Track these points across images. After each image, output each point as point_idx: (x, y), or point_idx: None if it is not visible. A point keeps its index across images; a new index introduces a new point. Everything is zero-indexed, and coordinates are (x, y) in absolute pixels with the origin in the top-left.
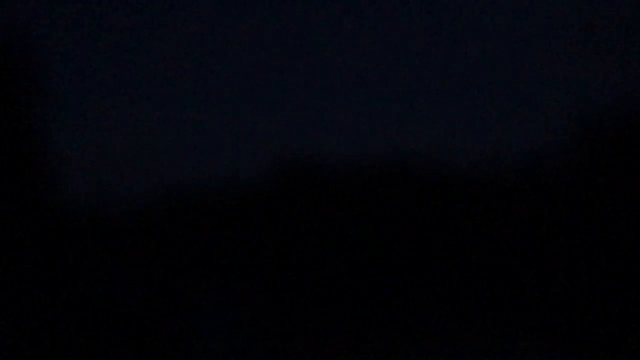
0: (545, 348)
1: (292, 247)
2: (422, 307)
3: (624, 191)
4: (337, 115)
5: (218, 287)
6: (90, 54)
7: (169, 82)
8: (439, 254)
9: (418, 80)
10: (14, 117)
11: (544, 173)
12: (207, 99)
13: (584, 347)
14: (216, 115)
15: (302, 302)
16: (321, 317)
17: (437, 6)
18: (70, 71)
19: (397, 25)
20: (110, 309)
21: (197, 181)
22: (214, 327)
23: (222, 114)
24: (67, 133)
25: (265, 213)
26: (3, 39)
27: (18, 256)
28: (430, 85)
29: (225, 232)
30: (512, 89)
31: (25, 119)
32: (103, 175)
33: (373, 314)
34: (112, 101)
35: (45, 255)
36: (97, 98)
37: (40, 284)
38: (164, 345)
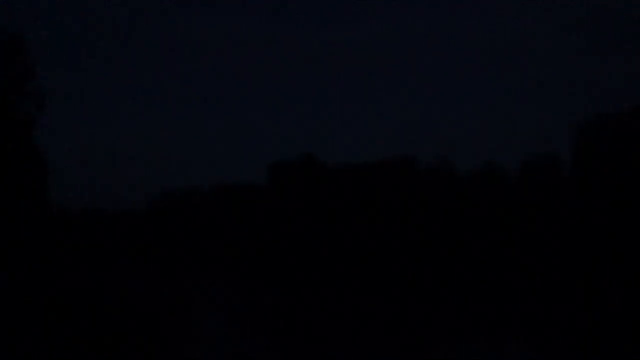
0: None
1: (294, 248)
2: (425, 306)
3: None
4: (340, 117)
5: (218, 287)
6: (87, 54)
7: (168, 83)
8: (441, 255)
9: (420, 81)
10: (8, 117)
11: (550, 174)
12: (209, 99)
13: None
14: (220, 116)
15: (303, 302)
16: (322, 317)
17: (438, 6)
18: (67, 71)
19: (399, 28)
20: (108, 308)
21: (197, 181)
22: (214, 326)
23: (224, 114)
24: (62, 132)
25: (267, 213)
26: None
27: (12, 254)
28: (432, 86)
29: (225, 232)
30: (516, 91)
31: (19, 118)
32: (102, 176)
33: (375, 313)
34: (110, 101)
35: (39, 253)
36: (95, 98)
37: (34, 282)
38: (163, 344)
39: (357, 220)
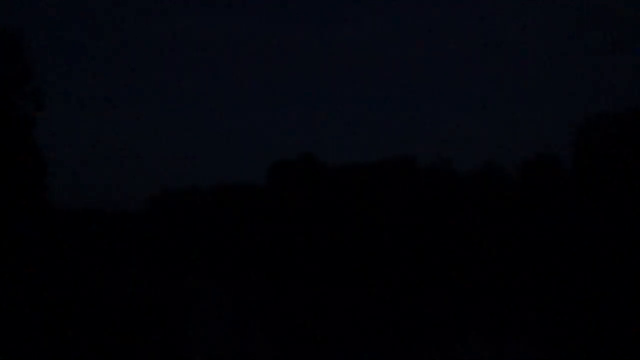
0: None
1: (294, 248)
2: (424, 308)
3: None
4: (340, 117)
5: (218, 286)
6: (87, 54)
7: (168, 83)
8: (441, 255)
9: (420, 81)
10: (8, 117)
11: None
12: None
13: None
14: (220, 116)
15: (303, 302)
16: (322, 317)
17: (438, 6)
18: (67, 71)
19: (398, 26)
20: (108, 307)
21: (197, 181)
22: (214, 326)
23: (224, 114)
24: (62, 132)
25: (267, 212)
26: None
27: (11, 254)
28: (432, 86)
29: (225, 232)
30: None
31: (19, 118)
32: (102, 176)
33: (376, 313)
34: (110, 101)
35: (38, 253)
36: (95, 98)
37: (33, 282)
38: (163, 344)
39: (357, 220)
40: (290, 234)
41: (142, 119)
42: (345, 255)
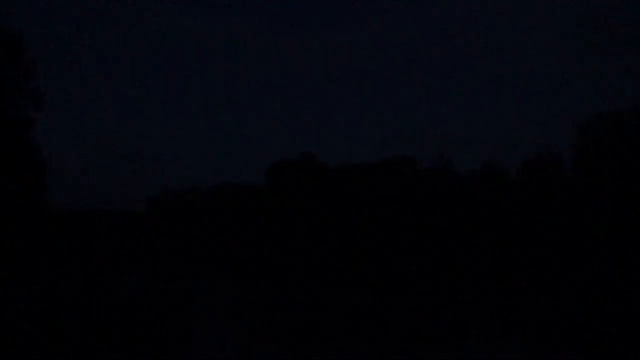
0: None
1: (294, 248)
2: (424, 308)
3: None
4: (340, 117)
5: (218, 287)
6: (87, 54)
7: (168, 83)
8: (442, 255)
9: (421, 81)
10: (7, 117)
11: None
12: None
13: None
14: (220, 116)
15: (303, 302)
16: (322, 317)
17: (438, 6)
18: (67, 71)
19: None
20: (109, 308)
21: (197, 181)
22: (214, 326)
23: (224, 114)
24: (62, 132)
25: (267, 212)
26: None
27: (11, 255)
28: (432, 86)
29: (225, 232)
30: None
31: (18, 118)
32: (102, 176)
33: (376, 313)
34: (110, 101)
35: (37, 253)
36: (96, 98)
37: (33, 282)
38: (163, 344)
39: (357, 221)
40: (290, 233)
41: (142, 120)
42: (345, 255)
